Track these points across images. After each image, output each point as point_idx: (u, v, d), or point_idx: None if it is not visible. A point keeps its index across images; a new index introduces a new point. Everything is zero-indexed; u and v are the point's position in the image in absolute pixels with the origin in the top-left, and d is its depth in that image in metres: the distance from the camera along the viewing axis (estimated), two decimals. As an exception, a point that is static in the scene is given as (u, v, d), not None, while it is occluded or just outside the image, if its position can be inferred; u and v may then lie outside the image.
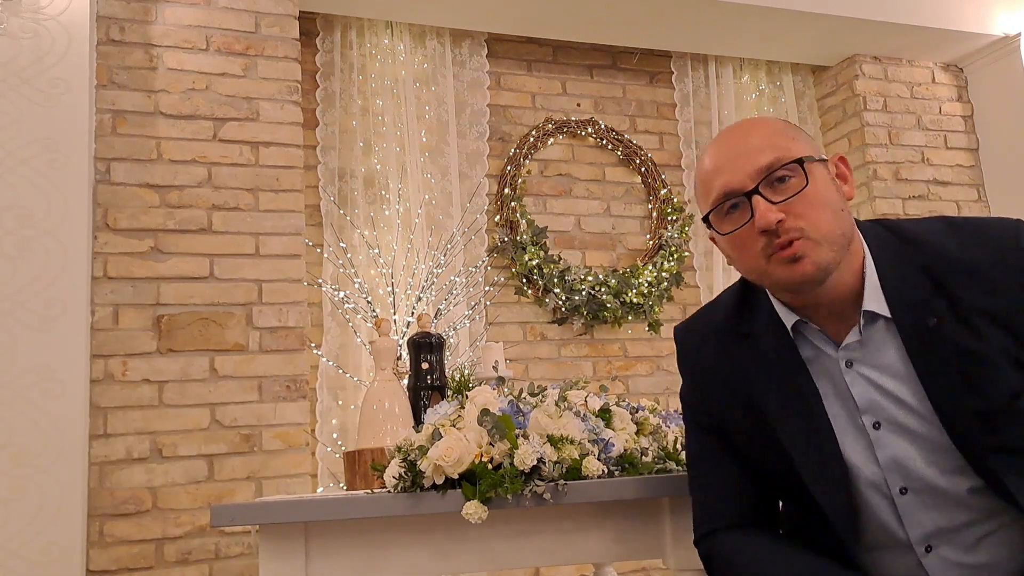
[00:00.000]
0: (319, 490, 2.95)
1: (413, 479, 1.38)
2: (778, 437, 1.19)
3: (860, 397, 1.17)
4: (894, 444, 1.15)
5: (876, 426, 1.16)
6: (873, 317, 1.17)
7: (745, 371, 1.24)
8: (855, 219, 1.22)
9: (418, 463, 1.37)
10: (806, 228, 1.12)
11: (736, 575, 1.23)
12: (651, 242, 3.76)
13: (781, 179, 1.14)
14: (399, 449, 1.42)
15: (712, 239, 1.26)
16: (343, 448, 2.99)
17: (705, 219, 1.21)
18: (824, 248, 1.12)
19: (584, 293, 3.51)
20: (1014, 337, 1.12)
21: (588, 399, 1.57)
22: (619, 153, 3.80)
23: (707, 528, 1.28)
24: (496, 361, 2.06)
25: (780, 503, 1.34)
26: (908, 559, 1.17)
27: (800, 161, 1.14)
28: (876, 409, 1.16)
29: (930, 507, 1.14)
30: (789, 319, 1.21)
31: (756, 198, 1.13)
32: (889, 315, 1.16)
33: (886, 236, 1.21)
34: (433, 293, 3.13)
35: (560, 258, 3.57)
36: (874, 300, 1.16)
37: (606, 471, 1.43)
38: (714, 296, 3.88)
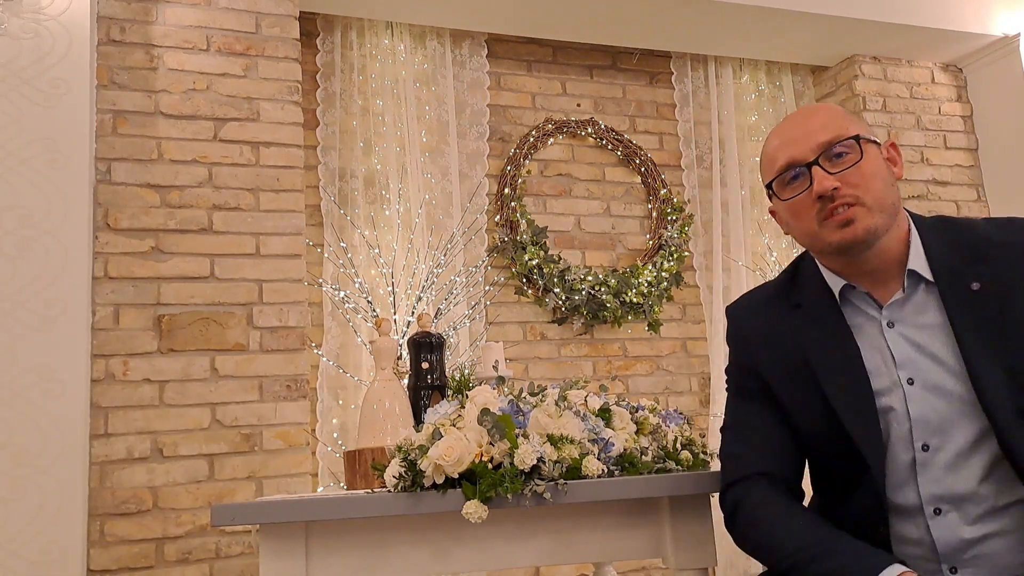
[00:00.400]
0: (319, 490, 2.95)
1: (413, 478, 1.38)
2: (824, 392, 1.28)
3: (898, 353, 1.26)
4: (925, 400, 1.23)
5: (910, 382, 1.25)
6: (916, 279, 1.28)
7: (796, 336, 1.34)
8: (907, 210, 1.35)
9: (418, 462, 1.37)
10: (859, 195, 1.25)
11: (758, 528, 1.28)
12: (651, 242, 3.76)
13: (839, 154, 1.27)
14: (399, 449, 1.43)
15: (771, 212, 1.41)
16: (343, 447, 2.99)
17: (768, 186, 1.34)
18: (875, 214, 1.25)
19: (584, 293, 3.52)
20: None
21: (588, 399, 1.57)
22: (619, 153, 3.80)
23: (739, 474, 1.34)
24: (496, 361, 2.06)
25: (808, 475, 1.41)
26: (917, 521, 1.23)
27: (856, 138, 1.27)
28: (911, 365, 1.25)
29: (947, 467, 1.21)
30: (837, 284, 1.33)
31: (815, 168, 1.27)
32: (932, 279, 1.27)
33: (931, 218, 1.35)
34: (433, 293, 3.13)
35: (560, 258, 3.57)
36: (918, 262, 1.28)
37: (606, 471, 1.43)
38: (714, 296, 3.88)
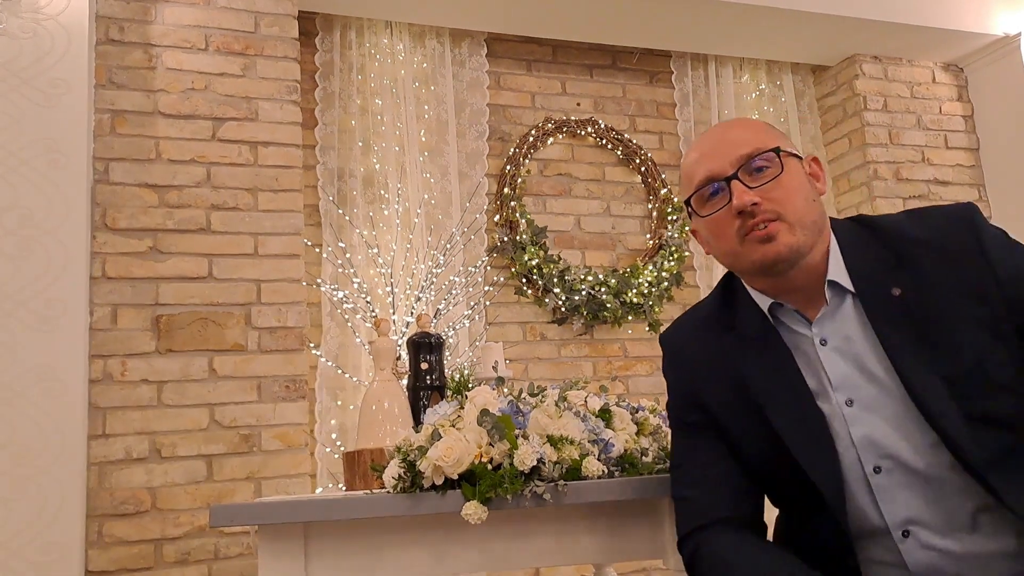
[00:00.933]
0: (318, 490, 2.94)
1: (412, 479, 1.38)
2: (767, 417, 1.22)
3: (833, 374, 1.20)
4: (867, 421, 1.17)
5: (849, 403, 1.19)
6: (840, 292, 1.22)
7: (732, 359, 1.28)
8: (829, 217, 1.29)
9: (417, 463, 1.37)
10: (780, 211, 1.20)
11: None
12: (651, 242, 3.76)
13: (759, 169, 1.22)
14: (398, 449, 1.42)
15: (692, 232, 1.35)
16: (342, 448, 2.99)
17: (687, 203, 1.29)
18: (796, 231, 1.20)
19: (584, 293, 3.51)
20: (979, 304, 1.15)
21: (588, 399, 1.56)
22: (619, 153, 3.80)
23: (695, 524, 1.26)
24: (496, 361, 2.05)
25: (768, 503, 1.34)
26: (887, 544, 1.16)
27: (776, 151, 1.22)
28: (849, 386, 1.19)
29: (904, 487, 1.15)
30: (764, 303, 1.27)
31: (735, 182, 1.21)
32: (853, 290, 1.21)
33: (851, 224, 1.29)
34: (432, 293, 3.12)
35: (560, 258, 3.57)
36: (838, 274, 1.22)
37: (606, 471, 1.43)
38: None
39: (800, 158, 1.27)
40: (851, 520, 1.19)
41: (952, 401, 1.12)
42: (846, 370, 1.20)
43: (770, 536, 1.34)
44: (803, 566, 1.16)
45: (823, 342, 1.22)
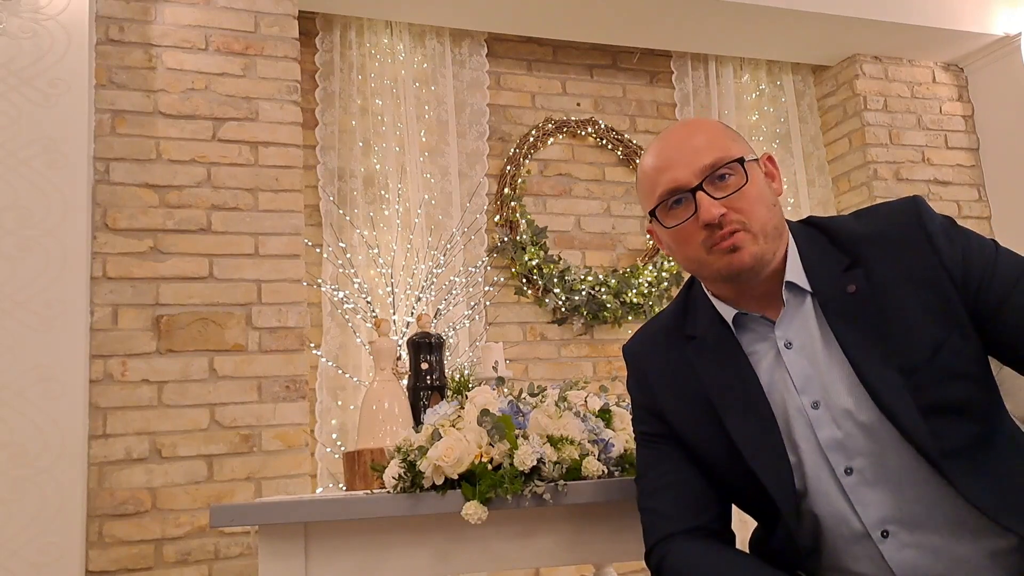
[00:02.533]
0: (318, 490, 2.94)
1: (413, 479, 1.38)
2: (727, 429, 1.22)
3: (798, 378, 1.20)
4: (831, 423, 1.17)
5: (815, 406, 1.19)
6: (798, 293, 1.23)
7: (694, 369, 1.28)
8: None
9: (418, 463, 1.37)
10: (746, 222, 1.20)
11: None
12: (651, 242, 3.76)
13: (722, 177, 1.21)
14: (399, 449, 1.42)
15: (650, 232, 1.33)
16: (343, 448, 2.98)
17: (651, 213, 1.27)
18: (760, 240, 1.20)
19: (584, 293, 3.51)
20: (930, 292, 1.16)
21: (588, 399, 1.56)
22: (619, 153, 3.80)
23: (661, 534, 1.25)
24: (496, 361, 2.05)
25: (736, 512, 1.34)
26: (868, 549, 1.15)
27: (740, 160, 1.21)
28: (813, 389, 1.19)
29: (877, 487, 1.14)
30: (729, 313, 1.27)
31: (700, 194, 1.20)
32: (810, 289, 1.22)
33: (804, 227, 1.30)
34: (433, 293, 3.12)
35: (560, 258, 3.57)
36: (795, 274, 1.23)
37: (606, 471, 1.43)
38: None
39: (757, 160, 1.26)
40: (827, 525, 1.18)
41: (908, 394, 1.11)
42: (809, 372, 1.20)
43: (745, 547, 1.33)
44: (769, 569, 1.16)
45: (787, 345, 1.22)
